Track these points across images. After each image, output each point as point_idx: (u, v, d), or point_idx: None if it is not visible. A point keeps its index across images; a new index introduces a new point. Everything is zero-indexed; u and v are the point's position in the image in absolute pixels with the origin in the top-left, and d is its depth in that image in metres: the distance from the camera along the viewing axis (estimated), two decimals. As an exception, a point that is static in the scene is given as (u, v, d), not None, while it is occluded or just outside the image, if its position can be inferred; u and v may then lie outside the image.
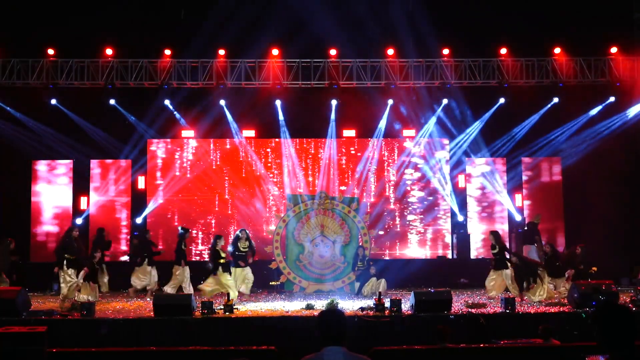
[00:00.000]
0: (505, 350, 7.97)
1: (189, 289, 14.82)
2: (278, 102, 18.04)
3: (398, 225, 18.68)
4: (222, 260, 14.38)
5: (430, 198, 18.84)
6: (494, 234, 14.80)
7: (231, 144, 18.85)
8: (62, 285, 13.34)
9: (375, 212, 18.46)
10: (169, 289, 14.81)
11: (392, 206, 18.73)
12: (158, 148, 18.84)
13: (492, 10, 17.26)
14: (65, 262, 13.33)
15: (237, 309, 12.46)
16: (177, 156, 18.78)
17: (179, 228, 15.87)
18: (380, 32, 17.37)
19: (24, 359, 7.22)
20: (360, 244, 16.21)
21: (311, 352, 4.28)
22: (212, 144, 18.85)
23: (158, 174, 18.72)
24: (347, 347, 4.26)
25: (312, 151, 18.94)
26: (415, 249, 18.60)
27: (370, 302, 12.59)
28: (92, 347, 9.11)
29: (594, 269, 14.47)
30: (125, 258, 18.06)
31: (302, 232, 16.40)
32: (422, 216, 18.76)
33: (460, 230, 18.53)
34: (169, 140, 18.79)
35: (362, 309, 12.10)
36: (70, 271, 13.34)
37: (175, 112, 18.15)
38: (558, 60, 17.34)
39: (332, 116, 18.21)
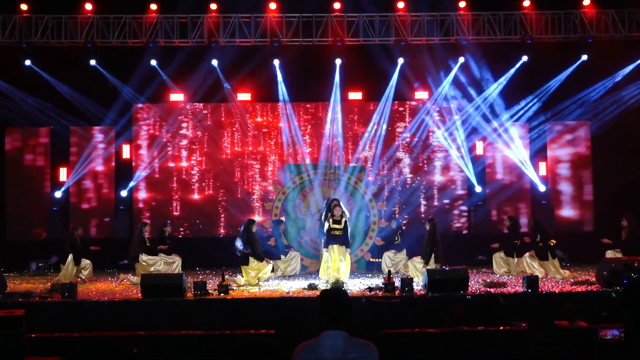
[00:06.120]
0: (527, 333, 7.99)
1: None
2: (276, 62, 17.92)
3: (409, 197, 18.63)
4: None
5: (445, 167, 18.79)
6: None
7: (224, 109, 18.78)
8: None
9: (384, 182, 18.41)
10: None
11: (402, 175, 18.67)
12: (144, 113, 18.79)
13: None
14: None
15: (232, 289, 12.55)
16: (164, 122, 18.72)
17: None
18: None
19: (1, 344, 7.26)
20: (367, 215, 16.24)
21: (315, 336, 4.29)
22: (203, 108, 18.79)
23: (144, 142, 18.69)
24: (354, 330, 4.25)
25: (315, 116, 18.86)
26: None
27: (379, 281, 12.66)
28: (75, 332, 9.16)
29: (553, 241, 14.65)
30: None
31: (304, 206, 16.41)
32: (435, 187, 18.73)
33: (478, 203, 18.54)
34: (155, 104, 18.71)
35: (371, 289, 12.18)
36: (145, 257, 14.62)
37: (162, 74, 18.05)
38: (587, 12, 17.13)
39: (336, 77, 18.11)
